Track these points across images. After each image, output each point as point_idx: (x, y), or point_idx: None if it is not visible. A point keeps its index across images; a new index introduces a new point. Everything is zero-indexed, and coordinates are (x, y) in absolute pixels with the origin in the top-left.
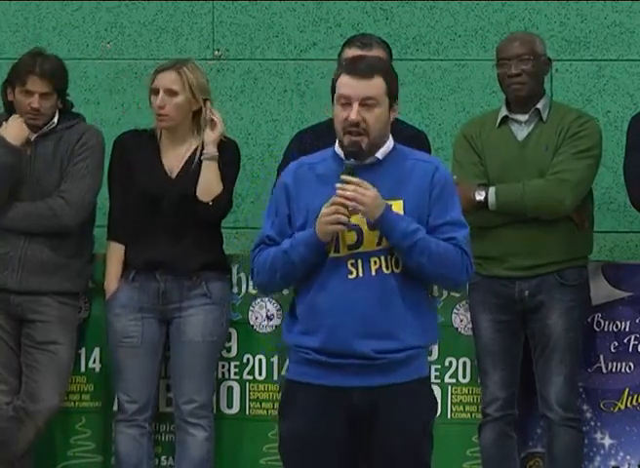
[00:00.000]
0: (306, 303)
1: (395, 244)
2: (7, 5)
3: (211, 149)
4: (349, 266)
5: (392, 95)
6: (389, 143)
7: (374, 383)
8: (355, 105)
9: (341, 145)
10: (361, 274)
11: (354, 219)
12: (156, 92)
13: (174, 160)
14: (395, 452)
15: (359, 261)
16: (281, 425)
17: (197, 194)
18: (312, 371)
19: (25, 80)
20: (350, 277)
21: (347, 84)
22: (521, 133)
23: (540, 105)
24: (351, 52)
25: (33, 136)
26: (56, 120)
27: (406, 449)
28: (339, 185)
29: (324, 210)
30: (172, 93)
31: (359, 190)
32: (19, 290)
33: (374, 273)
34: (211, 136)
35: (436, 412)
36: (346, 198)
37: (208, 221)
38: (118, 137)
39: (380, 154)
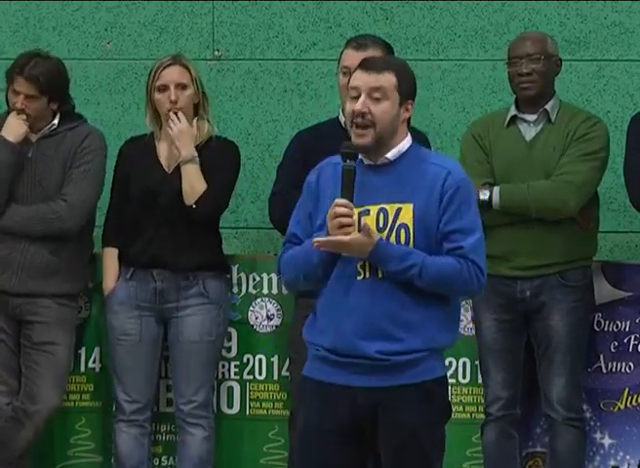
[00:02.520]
0: (321, 303)
1: (391, 277)
2: (7, 5)
3: (184, 153)
4: (358, 268)
5: (404, 93)
6: (404, 144)
7: (378, 384)
8: (362, 96)
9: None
10: (368, 276)
11: (367, 219)
12: (163, 88)
13: (171, 156)
14: (397, 454)
15: (367, 263)
16: (293, 419)
17: (184, 199)
18: (322, 368)
19: (13, 80)
20: (359, 278)
21: (357, 77)
22: (529, 133)
23: (548, 106)
24: (347, 52)
25: (35, 138)
26: (56, 121)
27: (412, 449)
28: (336, 209)
29: (329, 214)
30: (183, 86)
31: (342, 240)
32: (17, 292)
33: (380, 275)
34: (177, 142)
35: (445, 416)
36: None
37: (198, 224)
38: (120, 148)
39: (390, 155)
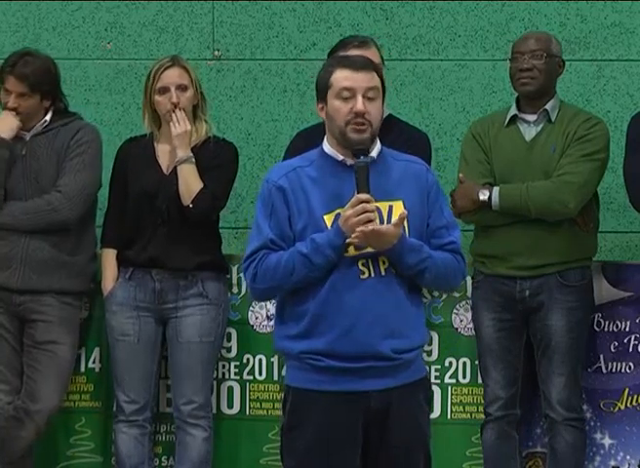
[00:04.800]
0: (314, 306)
1: (400, 272)
2: (7, 5)
3: (180, 154)
4: (361, 266)
5: (384, 90)
6: (378, 142)
7: (389, 384)
8: (359, 96)
9: (342, 143)
10: (373, 274)
11: None
12: (164, 90)
13: (170, 157)
14: (410, 449)
15: (369, 261)
16: (292, 434)
17: (181, 199)
18: (326, 378)
19: (4, 79)
20: (363, 277)
21: (349, 77)
22: (529, 133)
23: (548, 106)
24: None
25: (28, 136)
26: (48, 118)
27: (418, 445)
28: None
29: (349, 211)
30: (183, 88)
31: (379, 230)
32: (20, 288)
33: (383, 273)
34: (175, 142)
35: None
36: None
37: (195, 223)
38: (119, 147)
39: (374, 153)
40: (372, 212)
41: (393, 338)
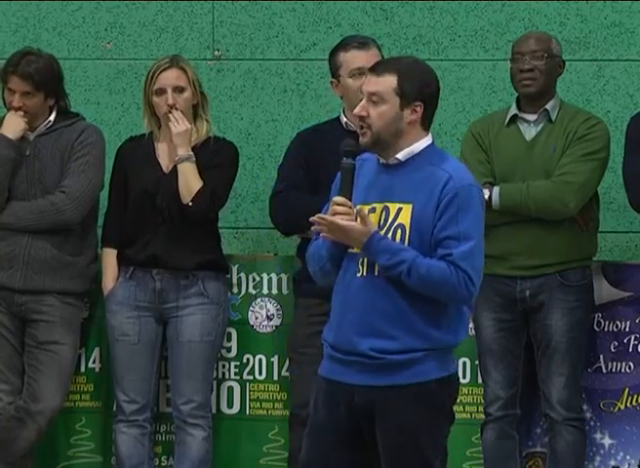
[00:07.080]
0: (332, 299)
1: (384, 273)
2: (7, 5)
3: (180, 152)
4: (359, 264)
5: (407, 95)
6: (418, 146)
7: (373, 383)
8: (364, 100)
9: None
10: (365, 273)
11: (372, 217)
12: (161, 92)
13: (169, 156)
14: (396, 452)
15: (365, 260)
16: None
17: (180, 197)
18: (328, 366)
19: (7, 79)
20: (358, 275)
21: (365, 80)
22: (529, 133)
23: (549, 106)
24: (354, 54)
25: (32, 136)
26: (52, 118)
27: (405, 450)
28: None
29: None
30: (180, 89)
31: (337, 223)
32: (22, 288)
33: (376, 273)
34: (176, 141)
35: (447, 419)
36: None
37: (193, 222)
38: (119, 147)
39: (401, 156)
40: (346, 214)
41: (374, 337)
